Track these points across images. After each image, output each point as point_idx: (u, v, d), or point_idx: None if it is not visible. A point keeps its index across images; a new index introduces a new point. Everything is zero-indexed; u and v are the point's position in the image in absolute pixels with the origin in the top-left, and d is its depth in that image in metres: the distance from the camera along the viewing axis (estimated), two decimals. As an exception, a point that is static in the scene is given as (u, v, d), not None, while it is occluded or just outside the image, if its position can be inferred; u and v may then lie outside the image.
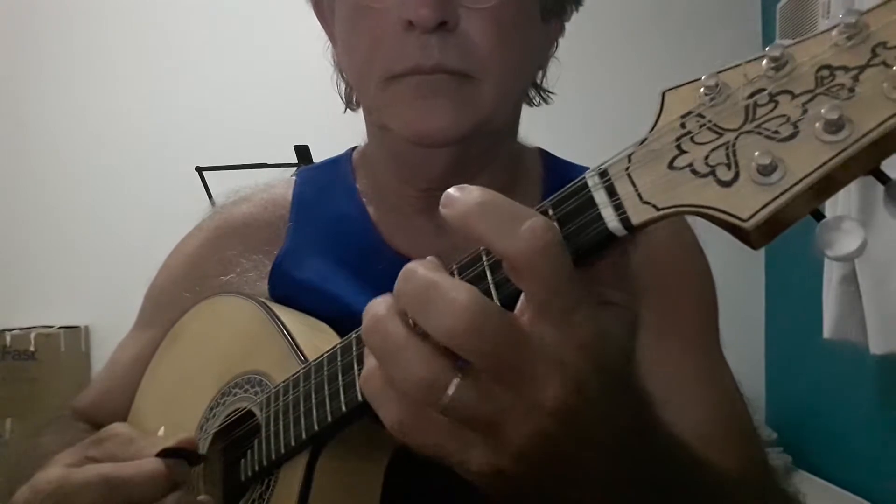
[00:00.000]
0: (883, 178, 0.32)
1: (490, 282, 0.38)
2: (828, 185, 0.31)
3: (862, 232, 0.31)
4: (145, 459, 0.51)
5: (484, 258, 0.39)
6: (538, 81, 0.72)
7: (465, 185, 0.36)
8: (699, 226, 0.64)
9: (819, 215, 0.32)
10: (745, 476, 0.56)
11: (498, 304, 0.37)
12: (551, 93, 0.74)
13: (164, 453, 0.51)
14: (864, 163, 0.31)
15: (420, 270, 0.35)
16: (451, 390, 0.34)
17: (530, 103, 0.73)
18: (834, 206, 1.66)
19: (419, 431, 0.36)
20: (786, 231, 0.33)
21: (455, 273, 0.40)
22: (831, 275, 1.89)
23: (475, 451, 0.36)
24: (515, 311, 0.36)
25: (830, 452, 2.17)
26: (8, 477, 0.62)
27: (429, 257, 0.37)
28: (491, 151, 0.66)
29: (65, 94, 2.88)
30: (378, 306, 0.37)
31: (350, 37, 0.64)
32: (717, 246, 0.64)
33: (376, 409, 0.37)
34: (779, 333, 2.66)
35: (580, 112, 2.38)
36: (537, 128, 0.75)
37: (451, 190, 0.35)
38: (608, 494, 0.37)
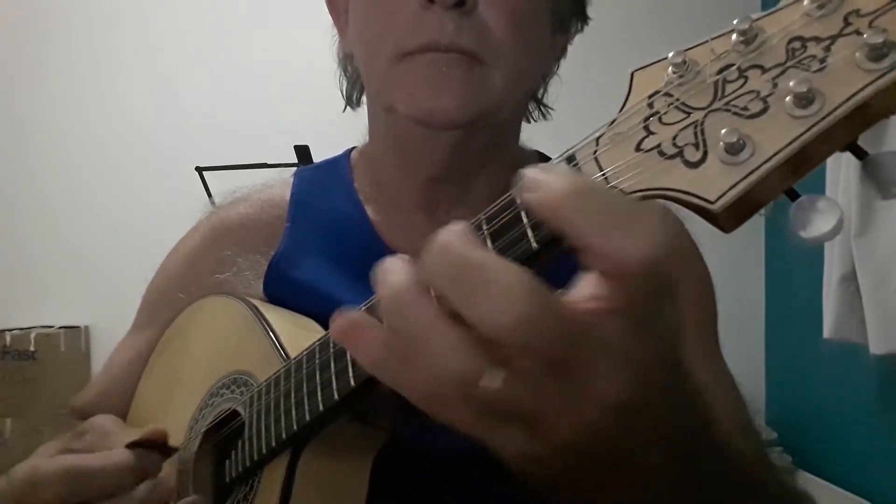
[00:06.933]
0: (860, 153, 0.31)
1: (526, 224, 0.34)
2: (801, 162, 0.30)
3: (838, 210, 0.29)
4: (114, 451, 0.51)
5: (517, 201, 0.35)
6: (539, 96, 0.73)
7: (549, 166, 0.30)
8: (698, 227, 0.64)
9: (795, 195, 0.31)
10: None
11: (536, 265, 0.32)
12: (550, 108, 0.75)
13: (135, 445, 0.51)
14: (838, 137, 0.30)
15: (458, 247, 0.29)
16: (484, 382, 0.29)
17: (529, 119, 0.73)
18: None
19: (447, 411, 0.32)
20: (758, 213, 0.31)
21: (484, 224, 0.36)
22: (831, 275, 1.89)
23: (511, 438, 0.32)
24: (575, 291, 0.31)
25: (830, 452, 2.17)
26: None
27: (460, 225, 0.31)
28: (492, 149, 0.66)
29: (65, 94, 2.87)
30: (397, 276, 0.31)
31: (366, 12, 0.64)
32: (718, 246, 0.64)
33: (394, 386, 0.33)
34: (779, 333, 2.65)
35: (578, 113, 2.38)
36: (534, 129, 0.75)
37: (531, 172, 0.30)
38: (663, 493, 0.34)
